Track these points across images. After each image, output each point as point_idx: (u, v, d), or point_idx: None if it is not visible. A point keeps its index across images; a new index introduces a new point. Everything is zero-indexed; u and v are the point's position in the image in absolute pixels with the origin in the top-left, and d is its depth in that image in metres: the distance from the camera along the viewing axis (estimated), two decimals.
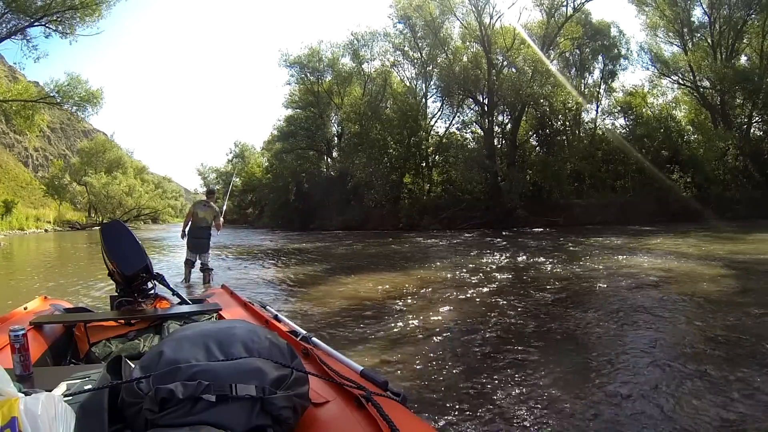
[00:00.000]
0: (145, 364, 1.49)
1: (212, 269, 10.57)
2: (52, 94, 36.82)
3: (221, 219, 10.64)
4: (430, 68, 41.20)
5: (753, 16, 34.89)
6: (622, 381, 4.16)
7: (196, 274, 10.52)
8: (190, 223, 10.49)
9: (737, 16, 35.19)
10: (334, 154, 47.10)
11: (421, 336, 5.78)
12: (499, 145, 38.89)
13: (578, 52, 38.93)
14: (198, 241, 10.35)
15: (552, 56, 36.72)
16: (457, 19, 38.75)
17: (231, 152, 75.88)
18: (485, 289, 8.69)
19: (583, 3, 36.08)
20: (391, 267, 12.93)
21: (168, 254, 18.86)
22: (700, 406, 3.55)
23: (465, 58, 38.73)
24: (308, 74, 46.07)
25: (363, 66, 44.63)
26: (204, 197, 11.33)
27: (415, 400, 3.80)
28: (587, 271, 10.71)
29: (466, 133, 41.23)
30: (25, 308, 3.51)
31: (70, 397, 1.60)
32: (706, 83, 36.50)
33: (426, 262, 13.72)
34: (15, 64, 37.44)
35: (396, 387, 1.86)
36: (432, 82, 41.94)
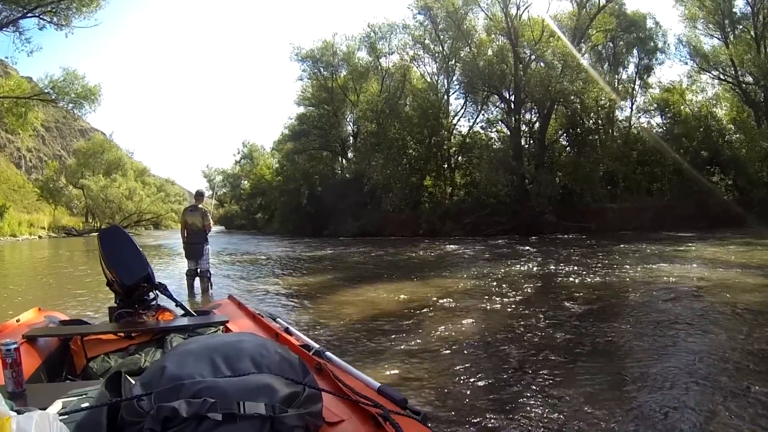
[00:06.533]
0: (146, 380, 1.48)
1: (210, 275, 10.76)
2: (46, 91, 37.07)
3: (210, 219, 10.89)
4: (453, 63, 41.11)
5: None
6: (659, 399, 4.14)
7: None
8: (185, 231, 10.73)
9: None
10: (350, 154, 47.26)
11: (442, 350, 5.79)
12: (527, 146, 38.71)
13: (611, 45, 38.60)
14: (192, 248, 10.59)
15: (583, 50, 36.53)
16: (482, 9, 38.65)
17: (239, 153, 76.33)
18: (511, 300, 8.72)
19: None
20: (411, 276, 13.00)
21: (171, 262, 19.11)
22: (742, 427, 3.57)
23: (490, 52, 38.44)
24: (321, 69, 46.28)
25: (380, 60, 44.74)
26: (196, 202, 11.52)
27: (436, 420, 3.82)
28: (621, 280, 10.72)
29: (491, 132, 41.21)
30: (18, 320, 3.50)
31: (66, 416, 1.62)
32: (749, 78, 36.01)
33: (448, 271, 13.83)
34: (6, 58, 37.30)
35: (416, 405, 1.90)
36: (454, 78, 41.91)
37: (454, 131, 42.05)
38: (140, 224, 67.81)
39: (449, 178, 40.92)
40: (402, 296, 9.50)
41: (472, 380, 4.73)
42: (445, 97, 42.36)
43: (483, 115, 41.22)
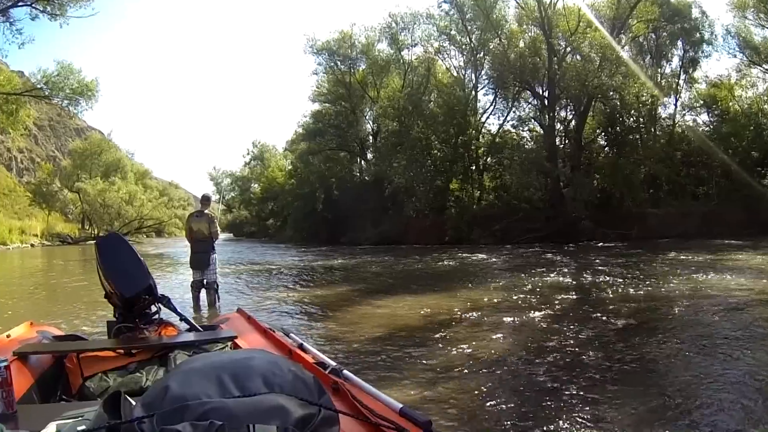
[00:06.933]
0: (148, 401, 1.48)
1: (218, 287, 10.74)
2: (39, 86, 37.46)
3: (217, 226, 10.83)
4: (481, 55, 41.36)
5: None
6: (707, 422, 4.23)
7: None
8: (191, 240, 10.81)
9: None
10: (369, 155, 47.72)
11: (469, 368, 5.88)
12: (562, 146, 39.02)
13: (654, 36, 38.43)
14: (197, 257, 10.62)
15: (623, 41, 36.22)
16: None
17: (248, 154, 76.48)
18: (544, 314, 8.90)
19: None
20: (435, 288, 13.33)
21: (175, 273, 19.40)
22: None
23: (522, 44, 38.81)
24: (338, 62, 46.72)
25: (402, 53, 45.25)
26: (202, 207, 11.39)
27: None
28: (664, 293, 10.89)
29: (522, 131, 41.42)
30: (8, 336, 3.51)
31: None
32: None
33: (475, 282, 14.10)
34: None
35: (441, 428, 2.29)
36: (483, 72, 42.21)
37: (483, 130, 42.25)
38: (141, 231, 68.41)
39: (477, 181, 41.11)
40: (425, 310, 9.59)
41: (500, 401, 4.79)
42: (473, 92, 42.55)
43: (514, 112, 41.50)
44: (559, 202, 34.60)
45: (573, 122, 38.76)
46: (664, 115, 39.96)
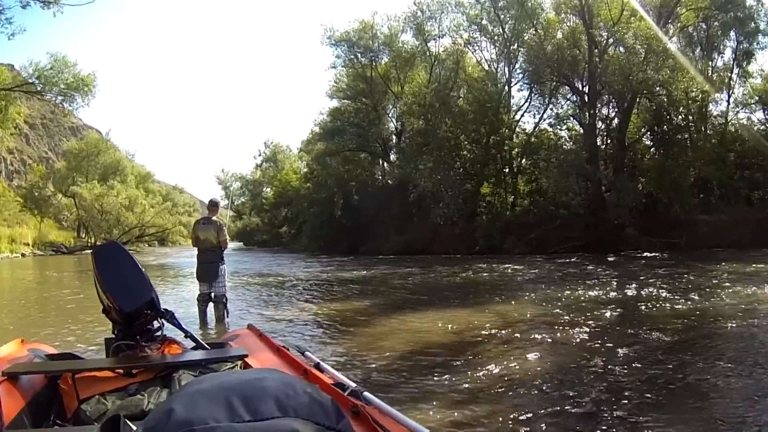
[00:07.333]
0: (150, 425, 1.44)
1: (227, 301, 10.75)
2: (31, 81, 38.22)
3: (226, 234, 10.82)
4: (515, 47, 41.57)
5: None
6: None
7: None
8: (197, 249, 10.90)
9: None
10: (392, 156, 48.10)
11: (502, 390, 5.90)
12: (604, 146, 38.95)
13: (704, 26, 37.92)
14: (204, 268, 10.64)
15: (671, 32, 36.30)
16: None
17: (260, 155, 76.86)
18: (584, 331, 8.88)
19: None
20: (465, 301, 13.59)
21: (179, 285, 19.70)
22: None
23: (559, 35, 38.98)
24: (359, 55, 47.17)
25: (429, 44, 45.50)
26: (209, 213, 11.49)
27: None
28: (715, 308, 10.82)
29: (560, 130, 41.58)
30: None
31: None
32: None
33: (508, 295, 14.22)
34: None
35: None
36: (517, 66, 42.47)
37: (517, 129, 42.41)
38: (143, 240, 69.13)
39: (511, 185, 41.37)
40: (454, 326, 9.69)
41: (537, 425, 4.82)
42: (506, 88, 42.81)
43: (551, 109, 41.54)
44: (600, 208, 34.62)
45: (615, 120, 38.67)
46: (715, 113, 39.55)
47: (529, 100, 42.31)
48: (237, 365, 3.44)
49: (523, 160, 41.71)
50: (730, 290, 12.99)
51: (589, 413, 5.07)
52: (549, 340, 8.33)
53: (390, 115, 48.83)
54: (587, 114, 37.94)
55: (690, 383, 5.98)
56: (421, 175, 39.04)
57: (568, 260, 25.31)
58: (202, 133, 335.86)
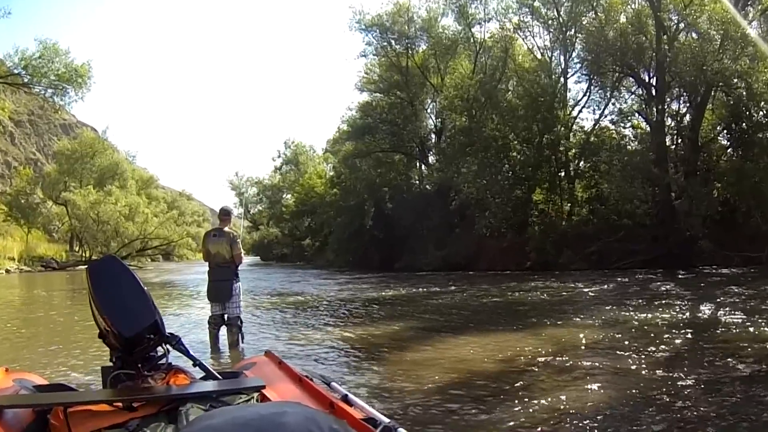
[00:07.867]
0: None
1: (242, 323, 10.60)
2: (16, 71, 38.40)
3: (240, 248, 10.70)
4: (572, 33, 40.99)
5: None
6: None
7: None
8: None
9: None
10: (431, 158, 47.90)
11: (557, 424, 5.85)
12: (674, 146, 38.37)
13: None
14: (216, 286, 10.44)
15: (751, 15, 35.55)
16: None
17: (279, 156, 77.47)
18: (652, 357, 8.85)
19: None
20: (514, 325, 13.27)
21: (188, 306, 19.54)
22: None
23: (623, 19, 38.29)
24: (393, 42, 47.12)
25: (473, 30, 45.29)
26: (221, 224, 11.28)
27: None
28: None
29: (624, 128, 40.84)
30: None
31: None
32: None
33: (564, 318, 14.02)
34: None
35: None
36: (574, 54, 41.92)
37: (574, 127, 41.91)
38: (145, 254, 69.79)
39: (567, 191, 40.84)
40: (502, 353, 9.61)
41: None
42: (562, 80, 42.27)
43: (613, 104, 40.93)
44: (669, 218, 34.15)
45: (687, 117, 37.98)
46: None
47: (588, 94, 41.89)
48: (253, 397, 3.29)
49: (581, 163, 41.23)
50: None
51: None
52: (611, 368, 8.27)
53: (428, 110, 48.76)
54: (655, 110, 37.28)
55: None
56: (464, 180, 38.71)
57: (632, 277, 24.95)
58: (213, 132, 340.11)
